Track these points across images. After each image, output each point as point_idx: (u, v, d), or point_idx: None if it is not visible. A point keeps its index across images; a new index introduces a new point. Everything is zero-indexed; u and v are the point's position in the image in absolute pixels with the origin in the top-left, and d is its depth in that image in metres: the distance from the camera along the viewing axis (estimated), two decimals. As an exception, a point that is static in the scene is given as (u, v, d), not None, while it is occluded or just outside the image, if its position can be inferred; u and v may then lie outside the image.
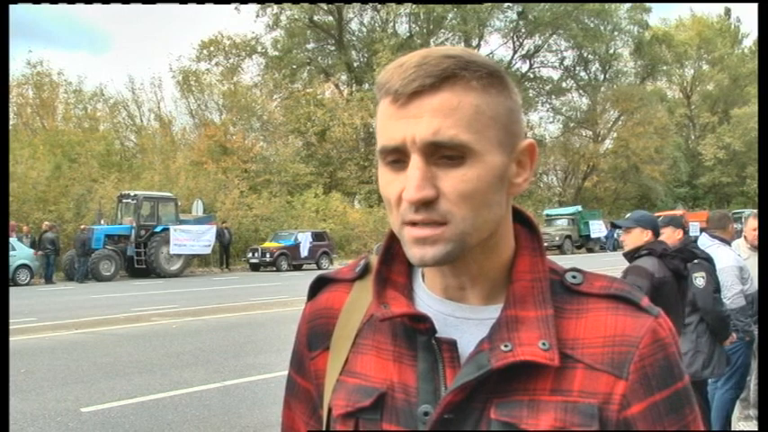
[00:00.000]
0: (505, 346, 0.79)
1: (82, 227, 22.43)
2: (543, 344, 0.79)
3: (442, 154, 0.77)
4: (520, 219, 0.89)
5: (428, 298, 0.87)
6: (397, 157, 0.79)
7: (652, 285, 3.69)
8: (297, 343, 0.98)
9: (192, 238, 23.64)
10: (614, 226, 4.44)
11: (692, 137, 57.27)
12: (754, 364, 5.09)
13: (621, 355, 0.80)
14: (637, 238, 3.98)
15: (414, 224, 0.78)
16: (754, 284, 5.04)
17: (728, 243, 5.00)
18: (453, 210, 0.78)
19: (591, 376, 0.79)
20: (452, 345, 0.82)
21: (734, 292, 4.69)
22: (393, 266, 0.89)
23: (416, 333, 0.84)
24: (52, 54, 79.56)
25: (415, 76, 0.77)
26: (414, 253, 0.79)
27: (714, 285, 4.29)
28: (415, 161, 0.77)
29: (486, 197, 0.79)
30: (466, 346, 0.82)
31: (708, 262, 4.31)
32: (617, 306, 0.82)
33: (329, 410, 0.89)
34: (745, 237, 5.30)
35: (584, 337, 0.81)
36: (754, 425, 5.16)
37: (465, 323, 0.84)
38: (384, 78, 0.80)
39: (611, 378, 0.79)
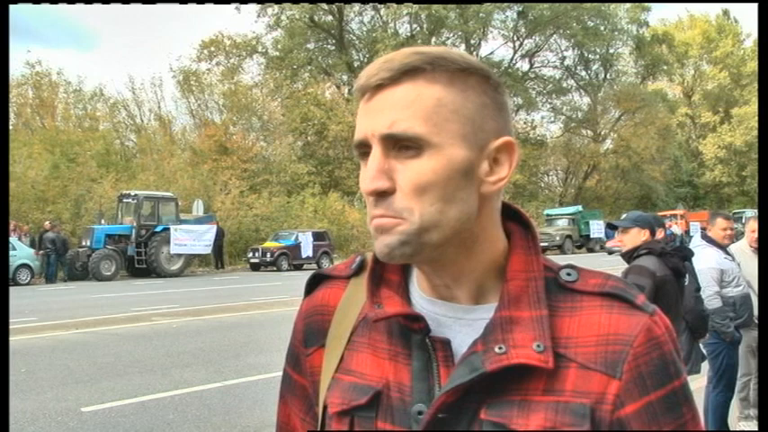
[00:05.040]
0: (500, 348, 0.79)
1: (46, 224, 22.39)
2: (538, 346, 0.78)
3: (401, 146, 0.78)
4: (515, 217, 0.88)
5: (420, 298, 0.87)
6: (365, 150, 0.81)
7: (654, 284, 3.70)
8: (293, 339, 0.98)
9: (192, 238, 23.64)
10: (611, 227, 4.43)
11: (693, 136, 57.29)
12: (755, 365, 5.10)
13: (615, 354, 0.79)
14: (635, 237, 4.00)
15: (380, 217, 0.80)
16: (750, 287, 5.06)
17: (719, 245, 5.02)
18: (410, 205, 0.78)
19: (584, 376, 0.78)
20: (446, 344, 0.82)
21: (709, 294, 4.71)
22: (387, 264, 0.88)
23: (411, 332, 0.84)
24: (40, 52, 79.65)
25: (378, 70, 0.79)
26: (376, 246, 0.81)
27: (696, 284, 4.31)
28: (374, 153, 0.79)
29: (446, 192, 0.78)
30: (459, 346, 0.82)
31: (691, 262, 4.32)
32: (611, 304, 0.81)
33: (324, 408, 0.89)
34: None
35: (578, 335, 0.80)
36: (754, 425, 5.15)
37: (457, 323, 0.84)
38: (359, 76, 0.82)
39: (604, 377, 0.78)
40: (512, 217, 0.88)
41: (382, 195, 0.78)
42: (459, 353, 0.82)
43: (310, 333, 0.95)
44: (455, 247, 0.81)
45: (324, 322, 0.93)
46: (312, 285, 0.98)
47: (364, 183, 0.79)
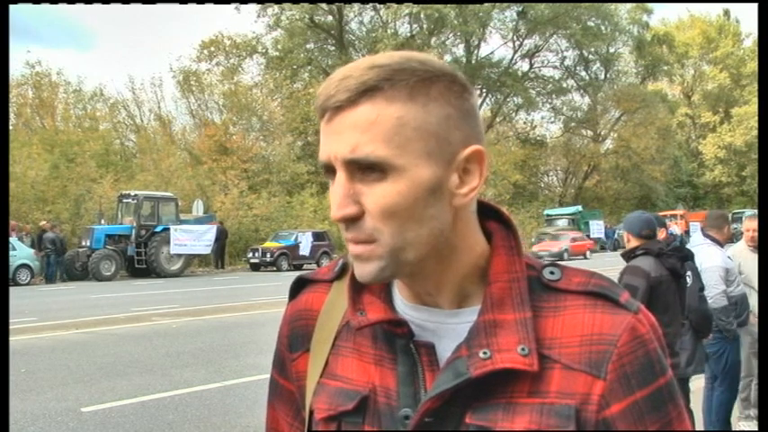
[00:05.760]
0: (484, 353, 0.78)
1: (43, 224, 22.39)
2: (522, 349, 0.78)
3: (365, 169, 0.76)
4: (495, 216, 0.87)
5: (402, 304, 0.86)
6: (331, 171, 0.79)
7: (649, 285, 3.71)
8: (278, 344, 0.98)
9: (192, 238, 23.65)
10: None
11: (693, 136, 57.31)
12: (755, 364, 5.10)
13: (599, 354, 0.78)
14: (627, 240, 4.07)
15: (354, 242, 0.79)
16: (749, 286, 5.08)
17: (721, 244, 5.02)
18: (379, 226, 0.77)
19: (568, 377, 0.78)
20: (431, 348, 0.82)
21: (716, 292, 4.69)
22: None
23: (395, 336, 0.84)
24: (38, 52, 79.65)
25: (335, 91, 0.77)
26: (356, 270, 0.81)
27: (700, 284, 4.31)
28: (339, 179, 0.77)
29: (414, 212, 0.77)
30: (444, 350, 0.82)
31: (693, 261, 4.32)
32: (595, 303, 0.81)
33: (311, 413, 0.89)
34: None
35: (562, 336, 0.80)
36: (754, 425, 5.16)
37: (441, 327, 0.83)
38: (317, 93, 0.80)
39: (588, 378, 0.78)
40: (491, 216, 0.87)
41: (352, 220, 0.78)
42: (443, 357, 0.81)
43: (295, 338, 0.95)
44: (433, 259, 0.81)
45: (308, 327, 0.93)
46: (296, 290, 0.98)
47: (333, 210, 0.78)
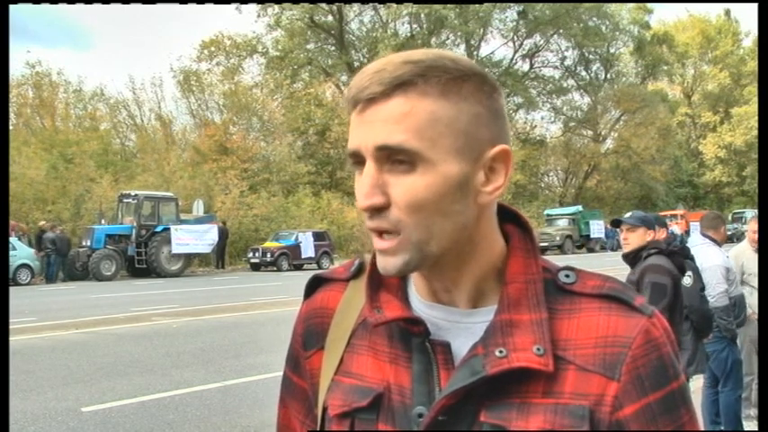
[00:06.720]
0: (500, 351, 0.79)
1: (41, 224, 22.39)
2: (538, 349, 0.79)
3: (394, 160, 0.77)
4: (513, 219, 0.88)
5: (419, 302, 0.87)
6: (359, 160, 0.80)
7: (673, 282, 3.69)
8: (293, 342, 0.98)
9: (194, 238, 23.66)
10: (616, 224, 4.37)
11: (693, 136, 57.32)
12: (755, 361, 5.10)
13: (613, 356, 0.79)
14: (640, 237, 3.96)
15: (378, 234, 0.80)
16: (740, 287, 5.09)
17: (719, 244, 5.03)
18: (404, 218, 0.78)
19: (583, 378, 0.79)
20: (446, 347, 0.83)
21: (719, 291, 4.70)
22: None
23: (411, 335, 0.84)
24: (36, 51, 79.46)
25: (369, 83, 0.78)
26: (379, 263, 0.82)
27: (701, 284, 4.30)
28: (368, 168, 0.79)
29: (440, 206, 0.78)
30: (459, 349, 0.82)
31: (693, 261, 4.31)
32: (609, 306, 0.82)
33: (324, 410, 0.89)
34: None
35: (576, 337, 0.80)
36: (754, 425, 5.16)
37: (456, 326, 0.84)
38: (350, 84, 0.81)
39: (602, 379, 0.79)
40: (509, 219, 0.88)
41: (377, 210, 0.79)
42: (458, 356, 0.82)
43: (310, 336, 0.95)
44: (455, 254, 0.82)
45: (323, 325, 0.94)
46: (311, 288, 0.98)
47: (360, 199, 0.79)
